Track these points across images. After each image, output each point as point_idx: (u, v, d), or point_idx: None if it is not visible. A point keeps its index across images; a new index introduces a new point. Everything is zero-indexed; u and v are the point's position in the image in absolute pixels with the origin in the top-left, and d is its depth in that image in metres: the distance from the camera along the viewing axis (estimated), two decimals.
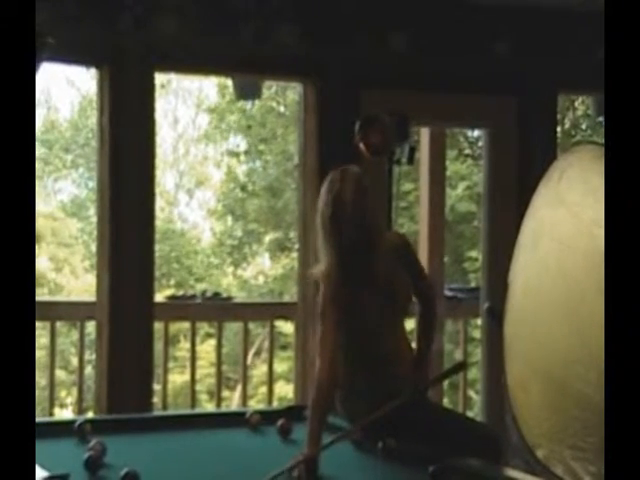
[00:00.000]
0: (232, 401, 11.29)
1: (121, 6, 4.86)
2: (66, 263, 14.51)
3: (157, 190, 5.47)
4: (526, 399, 3.32)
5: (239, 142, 14.44)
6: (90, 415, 5.73)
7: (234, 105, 13.61)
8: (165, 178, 15.32)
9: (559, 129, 7.74)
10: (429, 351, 3.78)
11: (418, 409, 3.48)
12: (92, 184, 14.65)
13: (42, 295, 12.55)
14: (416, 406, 3.48)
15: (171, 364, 9.78)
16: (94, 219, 11.63)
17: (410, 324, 3.81)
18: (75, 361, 8.23)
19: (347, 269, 3.46)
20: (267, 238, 13.76)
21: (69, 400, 12.04)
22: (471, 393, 8.35)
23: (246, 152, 14.18)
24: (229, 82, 8.55)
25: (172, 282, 13.90)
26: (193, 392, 6.06)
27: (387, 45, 5.35)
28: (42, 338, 7.90)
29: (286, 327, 9.33)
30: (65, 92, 18.79)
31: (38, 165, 14.18)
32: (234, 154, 14.43)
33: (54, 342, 5.65)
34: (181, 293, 6.83)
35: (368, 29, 5.32)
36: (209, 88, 14.91)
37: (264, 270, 14.32)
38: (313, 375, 3.35)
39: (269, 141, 13.54)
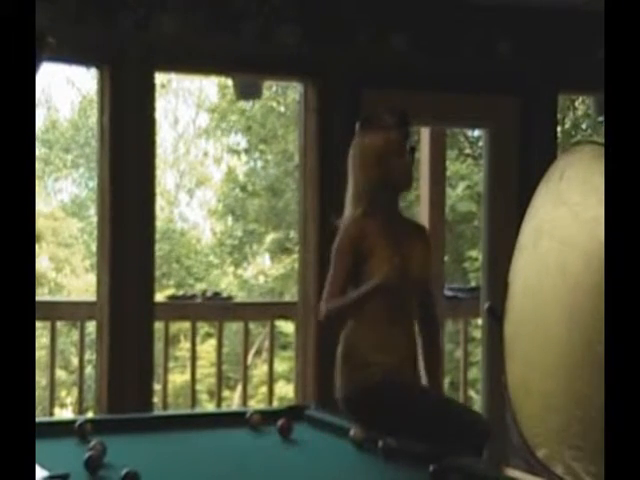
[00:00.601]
0: (232, 401, 11.29)
1: (122, 6, 4.86)
2: (66, 263, 14.51)
3: (157, 190, 5.47)
4: (526, 399, 3.32)
5: (239, 140, 14.45)
6: (90, 415, 5.74)
7: (234, 105, 13.61)
8: (165, 178, 15.33)
9: (559, 129, 7.73)
10: (439, 361, 3.83)
11: (401, 392, 3.51)
12: (92, 184, 14.66)
13: (42, 295, 12.55)
14: (399, 389, 3.52)
15: (171, 364, 9.78)
16: (94, 219, 11.64)
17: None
18: (75, 361, 8.25)
19: (370, 220, 3.58)
20: (267, 238, 13.76)
21: (69, 400, 12.05)
22: (471, 393, 8.34)
23: (246, 150, 14.18)
24: (230, 82, 8.55)
25: (172, 282, 13.90)
26: (193, 392, 6.06)
27: (387, 45, 5.35)
28: (42, 338, 7.90)
29: (286, 327, 9.35)
30: (65, 92, 18.81)
31: (38, 165, 14.19)
32: (235, 152, 14.44)
33: (54, 342, 5.65)
34: (181, 293, 6.83)
35: (368, 29, 5.32)
36: (209, 88, 14.93)
37: (264, 270, 14.32)
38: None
39: (269, 141, 13.55)
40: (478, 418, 3.71)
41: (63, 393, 11.98)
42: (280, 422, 3.33)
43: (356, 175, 3.67)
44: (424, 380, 3.81)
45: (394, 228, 3.65)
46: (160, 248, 12.73)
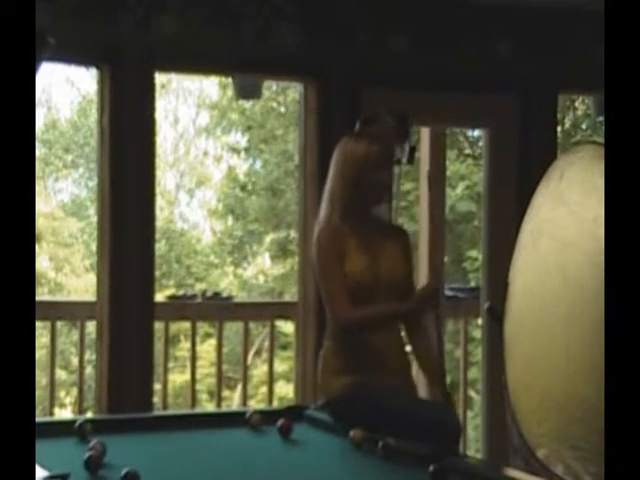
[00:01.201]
0: (232, 401, 11.30)
1: (121, 6, 4.86)
2: (66, 262, 14.51)
3: (157, 190, 5.47)
4: (527, 399, 3.33)
5: (239, 139, 14.45)
6: (90, 415, 5.73)
7: (235, 103, 13.61)
8: (165, 178, 15.32)
9: (559, 129, 7.73)
10: (429, 359, 3.83)
11: (370, 399, 3.52)
12: (92, 184, 14.66)
13: (42, 295, 12.55)
14: (368, 397, 3.52)
15: (171, 364, 9.78)
16: (94, 219, 11.65)
17: None
18: (75, 361, 8.24)
19: (344, 223, 3.62)
20: (267, 238, 13.76)
21: (68, 400, 12.04)
22: (471, 393, 8.35)
23: (246, 150, 14.18)
24: (230, 79, 8.56)
25: (172, 282, 13.90)
26: (193, 392, 6.06)
27: (387, 45, 5.35)
28: (42, 338, 7.91)
29: (286, 327, 9.35)
30: (65, 92, 18.80)
31: (38, 165, 14.18)
32: (235, 150, 14.43)
33: (54, 342, 5.65)
34: (181, 293, 6.82)
35: (368, 29, 5.32)
36: (210, 87, 14.93)
37: (264, 270, 14.32)
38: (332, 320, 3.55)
39: (269, 141, 13.54)
40: (448, 416, 3.68)
41: (62, 393, 11.97)
42: (280, 422, 3.33)
43: (334, 179, 3.69)
44: (423, 380, 3.82)
45: (366, 231, 3.66)
46: (160, 248, 12.74)
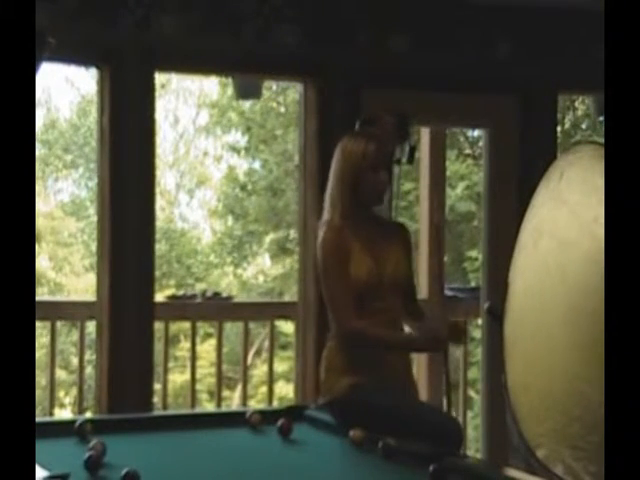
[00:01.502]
0: (232, 401, 11.30)
1: (122, 6, 4.86)
2: (66, 262, 14.51)
3: (157, 190, 5.47)
4: (527, 399, 3.32)
5: (239, 139, 14.45)
6: (89, 415, 5.73)
7: (235, 103, 13.62)
8: (165, 178, 15.32)
9: (559, 129, 7.73)
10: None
11: (369, 404, 3.52)
12: (92, 184, 14.66)
13: (42, 295, 12.55)
14: (367, 402, 3.52)
15: (171, 364, 9.78)
16: (94, 219, 11.64)
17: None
18: (75, 361, 8.24)
19: (345, 223, 3.61)
20: (267, 238, 13.76)
21: (68, 400, 12.04)
22: (471, 393, 8.35)
23: (246, 149, 14.19)
24: (230, 80, 8.55)
25: (172, 282, 13.90)
26: (193, 392, 6.06)
27: (387, 45, 5.35)
28: (42, 338, 7.91)
29: (286, 327, 9.35)
30: (65, 92, 18.79)
31: (38, 165, 14.18)
32: (235, 149, 14.44)
33: (54, 342, 5.65)
34: (181, 293, 6.82)
35: (368, 29, 5.32)
36: (210, 86, 14.93)
37: (264, 270, 14.32)
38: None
39: (269, 141, 13.54)
40: (449, 420, 3.69)
41: (62, 393, 11.97)
42: (280, 422, 3.33)
43: (335, 179, 3.68)
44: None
45: (369, 232, 3.67)
46: (160, 248, 12.73)
